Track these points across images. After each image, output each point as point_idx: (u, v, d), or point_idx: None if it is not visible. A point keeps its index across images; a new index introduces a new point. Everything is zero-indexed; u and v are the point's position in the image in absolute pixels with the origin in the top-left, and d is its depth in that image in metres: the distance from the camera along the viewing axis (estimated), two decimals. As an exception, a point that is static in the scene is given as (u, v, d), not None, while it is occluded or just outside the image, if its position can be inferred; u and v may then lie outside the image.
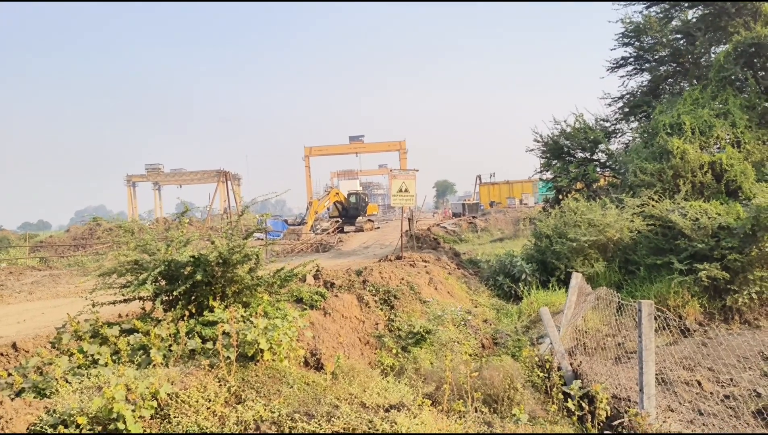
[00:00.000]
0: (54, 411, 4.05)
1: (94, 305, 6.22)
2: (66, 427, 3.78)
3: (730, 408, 6.50)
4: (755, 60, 17.51)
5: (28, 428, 3.85)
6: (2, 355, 7.30)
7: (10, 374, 5.12)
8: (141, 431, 3.87)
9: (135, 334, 5.90)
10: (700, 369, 7.86)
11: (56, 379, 4.62)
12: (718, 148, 15.84)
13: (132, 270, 6.70)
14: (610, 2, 21.80)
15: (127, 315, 8.02)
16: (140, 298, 6.86)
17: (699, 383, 7.24)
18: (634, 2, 21.12)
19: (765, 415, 6.12)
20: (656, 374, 5.80)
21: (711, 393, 6.98)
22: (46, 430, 3.76)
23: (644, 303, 5.60)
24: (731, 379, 7.35)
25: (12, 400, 4.30)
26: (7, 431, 3.77)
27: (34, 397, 4.63)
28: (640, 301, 5.66)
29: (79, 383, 4.64)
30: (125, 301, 6.73)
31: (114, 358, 5.44)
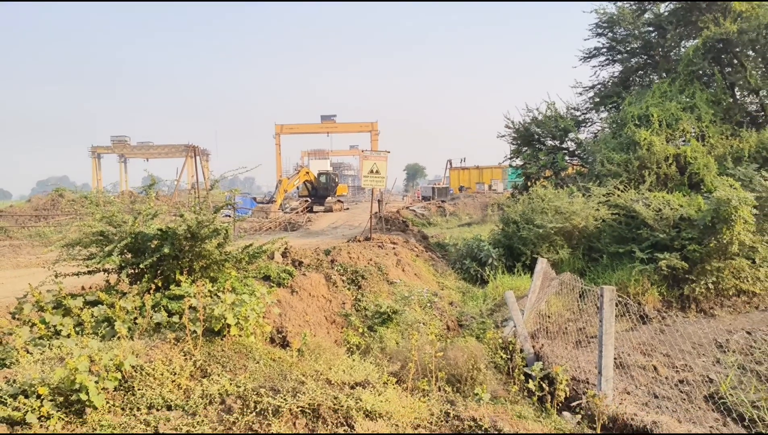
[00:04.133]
0: (14, 381, 4.00)
1: (56, 276, 6.11)
2: (26, 397, 3.74)
3: (684, 392, 6.74)
4: (723, 56, 17.89)
5: (-13, 397, 3.79)
6: (-41, 324, 7.13)
7: (-32, 344, 5.02)
8: (104, 402, 3.84)
9: (99, 306, 5.82)
10: (656, 354, 8.11)
11: (17, 350, 4.55)
12: (684, 141, 16.18)
13: (97, 241, 6.60)
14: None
15: (90, 287, 7.89)
16: (105, 271, 6.76)
17: (655, 368, 7.48)
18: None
19: (716, 400, 6.37)
20: (614, 358, 5.97)
21: (666, 377, 7.22)
22: (6, 400, 3.70)
23: (606, 289, 5.74)
24: (686, 365, 7.60)
25: (-30, 369, 4.23)
26: (-35, 400, 3.71)
27: (-6, 367, 4.56)
28: (603, 287, 5.79)
29: (41, 354, 4.58)
30: (89, 272, 6.63)
31: (77, 329, 5.37)
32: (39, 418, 3.61)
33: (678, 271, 11.48)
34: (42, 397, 3.72)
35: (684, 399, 6.53)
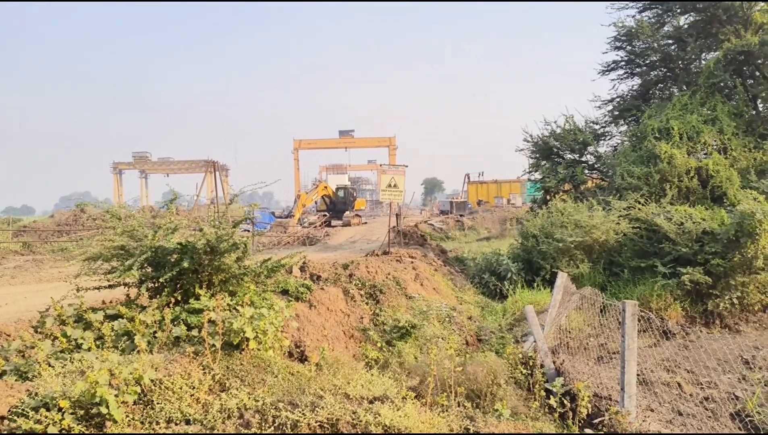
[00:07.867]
0: (36, 394, 4.03)
1: (78, 290, 6.18)
2: (48, 410, 3.76)
3: (709, 410, 6.58)
4: (744, 68, 17.69)
5: (9, 410, 3.83)
6: (-17, 338, 7.22)
7: (-9, 356, 5.08)
8: (124, 416, 3.86)
9: (119, 319, 5.87)
10: (680, 371, 7.95)
11: (39, 363, 4.60)
12: (705, 153, 16.00)
13: (118, 255, 6.66)
14: (605, 1, 21.83)
15: (111, 301, 7.96)
16: (125, 284, 6.82)
17: (679, 385, 7.33)
18: (627, 6, 21.22)
19: (743, 418, 6.21)
20: (637, 374, 5.85)
21: (690, 394, 7.06)
22: (28, 412, 3.73)
23: (628, 303, 5.65)
24: (711, 382, 7.44)
25: (-7, 382, 4.27)
26: (-12, 412, 3.74)
27: (16, 380, 4.60)
28: (625, 301, 5.70)
29: (62, 367, 4.62)
30: (110, 286, 6.70)
31: (98, 343, 5.41)
32: (60, 431, 3.63)
33: (701, 285, 11.29)
34: (63, 410, 3.74)
35: (709, 417, 6.37)
